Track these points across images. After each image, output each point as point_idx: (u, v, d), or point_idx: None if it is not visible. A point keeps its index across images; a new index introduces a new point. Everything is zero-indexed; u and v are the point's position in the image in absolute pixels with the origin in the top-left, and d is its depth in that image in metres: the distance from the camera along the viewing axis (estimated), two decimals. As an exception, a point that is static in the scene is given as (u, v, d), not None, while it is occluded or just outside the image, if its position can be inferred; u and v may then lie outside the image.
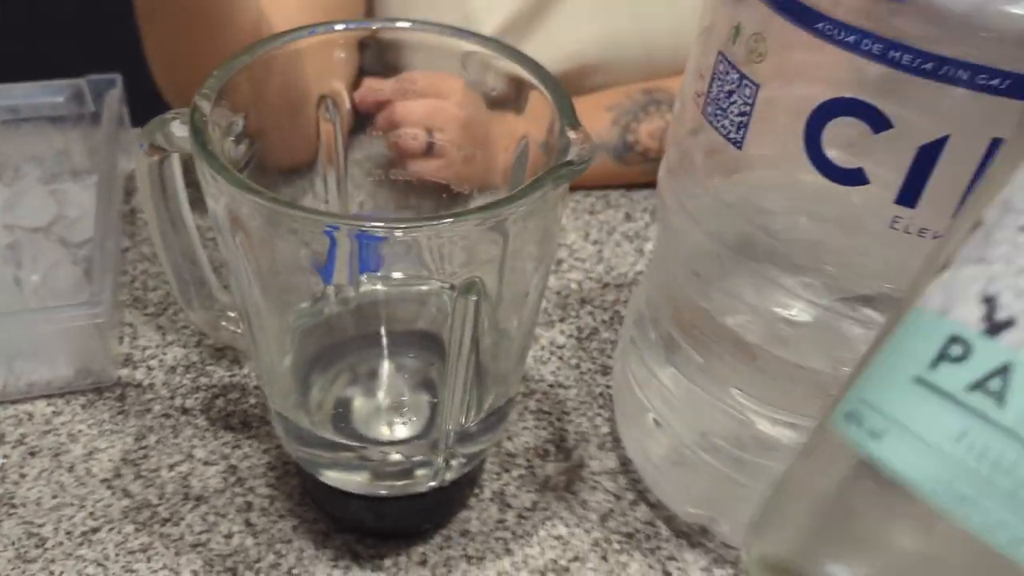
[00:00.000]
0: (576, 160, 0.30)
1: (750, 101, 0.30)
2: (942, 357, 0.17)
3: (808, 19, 0.27)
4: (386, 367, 0.40)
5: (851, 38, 0.26)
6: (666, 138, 0.61)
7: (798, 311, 0.33)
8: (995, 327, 0.17)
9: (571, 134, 0.31)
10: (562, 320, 0.54)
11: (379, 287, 0.38)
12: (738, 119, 0.31)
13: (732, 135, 0.31)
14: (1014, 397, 0.16)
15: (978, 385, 0.17)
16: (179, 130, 0.32)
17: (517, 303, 0.34)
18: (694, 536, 0.43)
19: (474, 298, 0.30)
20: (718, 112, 0.31)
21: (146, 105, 0.59)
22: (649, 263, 0.43)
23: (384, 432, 0.38)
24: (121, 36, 0.58)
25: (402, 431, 0.38)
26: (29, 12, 1.06)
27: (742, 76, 0.30)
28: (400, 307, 0.39)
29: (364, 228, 0.27)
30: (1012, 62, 0.24)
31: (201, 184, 0.30)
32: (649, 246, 0.60)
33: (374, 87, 0.40)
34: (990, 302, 0.17)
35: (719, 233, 0.34)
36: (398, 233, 0.27)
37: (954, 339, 0.17)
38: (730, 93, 0.31)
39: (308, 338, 0.38)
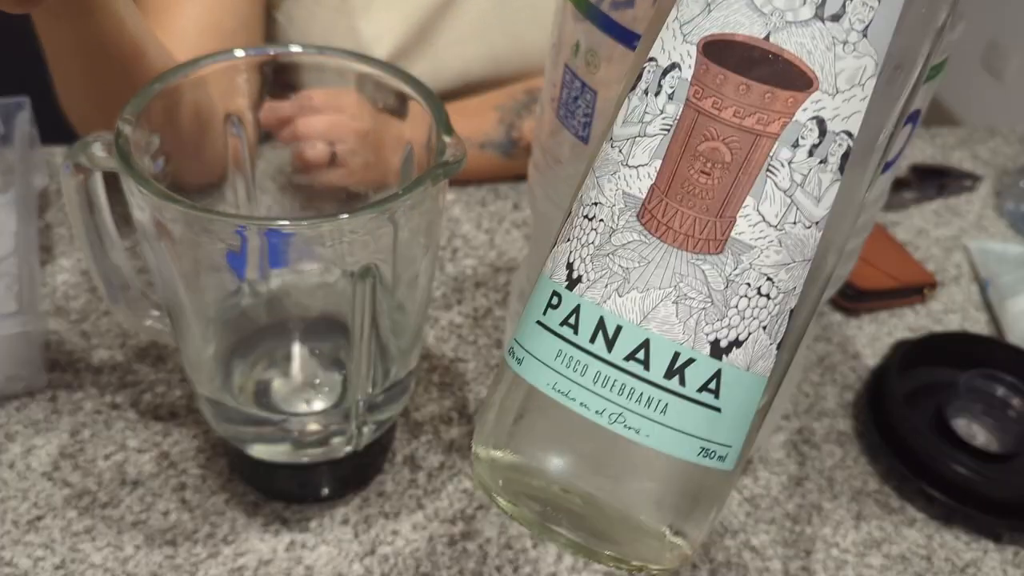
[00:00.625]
0: (451, 160, 0.35)
1: (591, 104, 0.36)
2: (548, 306, 0.26)
3: (627, 38, 0.33)
4: (299, 350, 0.45)
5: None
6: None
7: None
8: (572, 283, 0.25)
9: (446, 139, 0.37)
10: (459, 303, 0.60)
11: (288, 279, 0.43)
12: (583, 119, 0.37)
13: (580, 133, 0.37)
14: (582, 326, 0.25)
15: (564, 321, 0.25)
16: (99, 151, 0.36)
17: (410, 284, 0.40)
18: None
19: (370, 281, 0.36)
20: (568, 114, 0.38)
21: (53, 125, 0.62)
22: (529, 247, 0.49)
23: (302, 406, 0.43)
24: (27, 58, 0.61)
25: (318, 403, 0.43)
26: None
27: (583, 84, 0.36)
28: (307, 296, 0.44)
29: (272, 226, 0.32)
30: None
31: (127, 197, 0.35)
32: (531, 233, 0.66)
33: (275, 107, 0.45)
34: (570, 267, 0.25)
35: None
36: (302, 228, 0.33)
37: (554, 293, 0.26)
38: (575, 98, 0.37)
39: (228, 328, 0.43)
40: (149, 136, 0.38)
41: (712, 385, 0.24)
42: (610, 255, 0.24)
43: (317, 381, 0.45)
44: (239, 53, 0.40)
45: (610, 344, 0.24)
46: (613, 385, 0.24)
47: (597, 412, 0.24)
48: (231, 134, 0.42)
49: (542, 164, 0.42)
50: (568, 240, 0.26)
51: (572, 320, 0.25)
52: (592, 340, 0.24)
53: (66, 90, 0.57)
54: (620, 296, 0.24)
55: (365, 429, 0.43)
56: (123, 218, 0.39)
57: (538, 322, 0.26)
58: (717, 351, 0.24)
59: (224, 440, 0.47)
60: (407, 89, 0.39)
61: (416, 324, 0.42)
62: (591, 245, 0.25)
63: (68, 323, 0.55)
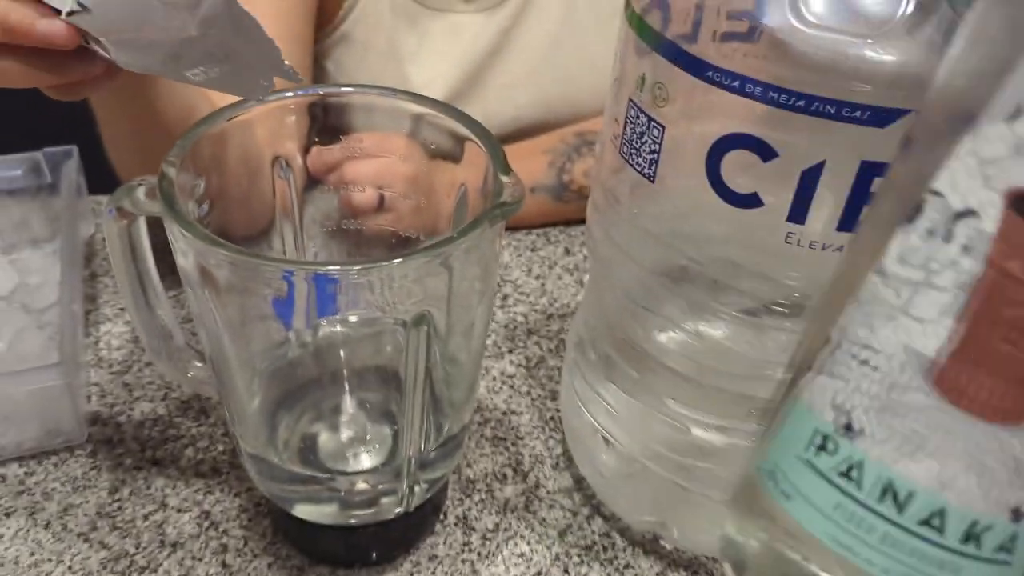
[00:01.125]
0: (509, 201, 0.33)
1: (658, 140, 0.34)
2: (818, 448, 0.25)
3: (699, 69, 0.31)
4: (348, 402, 0.43)
5: (735, 83, 0.30)
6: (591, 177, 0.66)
7: (720, 325, 0.37)
8: (849, 433, 0.24)
9: (504, 179, 0.35)
10: (511, 351, 0.57)
11: (337, 329, 0.41)
12: (649, 156, 0.35)
13: (646, 171, 0.35)
14: (866, 483, 0.24)
15: (843, 473, 0.25)
16: (143, 195, 0.35)
17: (465, 333, 0.37)
18: (648, 544, 0.46)
19: (424, 329, 0.33)
20: (632, 151, 0.35)
21: (101, 174, 0.62)
22: (585, 291, 0.46)
23: (350, 463, 0.41)
24: (76, 107, 0.61)
25: (366, 461, 0.40)
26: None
27: (650, 119, 0.34)
28: (357, 346, 0.42)
29: (320, 271, 0.30)
30: (871, 97, 0.28)
31: (171, 242, 0.33)
32: (588, 277, 0.63)
33: (322, 151, 0.44)
34: (845, 413, 0.24)
35: (643, 259, 0.37)
36: (352, 274, 0.30)
37: (824, 436, 0.25)
38: (641, 134, 0.35)
39: (273, 380, 0.40)
40: (194, 180, 0.36)
41: (1008, 545, 0.23)
42: (899, 416, 0.23)
43: (367, 437, 0.42)
44: (288, 94, 0.38)
45: (901, 507, 0.24)
46: (903, 547, 0.24)
47: (883, 570, 0.24)
48: (279, 178, 0.40)
49: (602, 204, 0.40)
50: (832, 375, 0.25)
51: (853, 474, 0.24)
52: (880, 500, 0.24)
53: (115, 147, 0.57)
54: (913, 462, 0.23)
55: (417, 488, 0.40)
56: (169, 267, 0.37)
57: (806, 461, 0.25)
58: (1018, 516, 0.23)
59: (268, 499, 0.45)
60: (462, 129, 0.38)
61: (471, 375, 0.39)
62: (870, 396, 0.24)
63: (110, 375, 0.54)
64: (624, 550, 0.46)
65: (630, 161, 0.36)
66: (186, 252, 0.32)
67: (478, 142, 0.37)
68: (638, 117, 0.35)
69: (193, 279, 0.33)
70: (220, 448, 0.49)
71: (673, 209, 0.36)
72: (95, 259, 0.62)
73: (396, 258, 0.31)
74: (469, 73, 0.73)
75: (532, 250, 0.66)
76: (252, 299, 0.33)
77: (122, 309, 0.58)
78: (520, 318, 0.60)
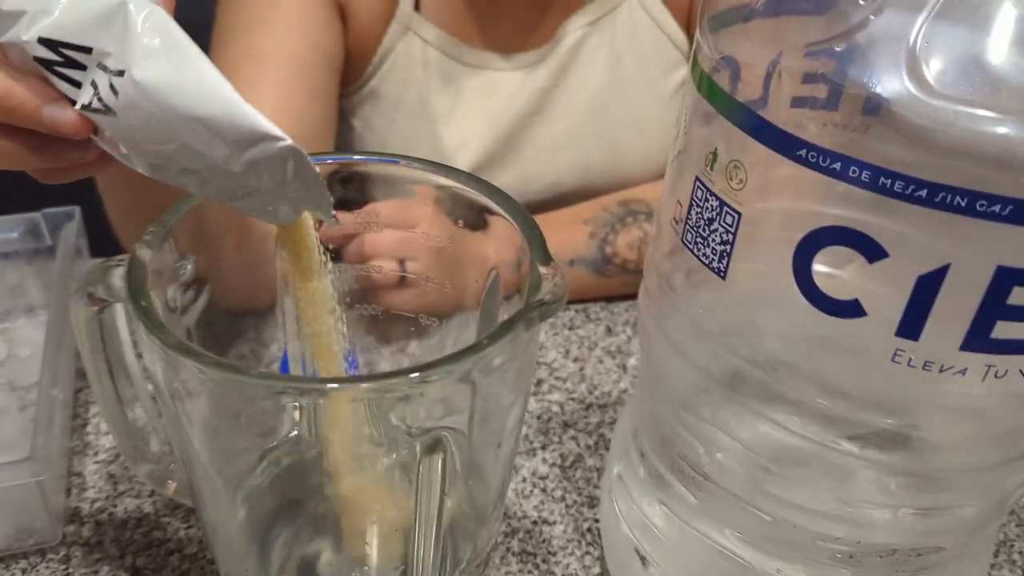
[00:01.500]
0: (549, 299, 0.27)
1: (732, 229, 0.28)
2: None
3: (788, 146, 0.25)
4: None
5: (836, 165, 0.24)
6: (644, 258, 0.60)
7: (796, 449, 0.30)
8: None
9: (542, 270, 0.29)
10: (544, 447, 0.51)
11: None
12: (720, 247, 0.29)
13: (715, 264, 0.29)
14: None
15: None
16: (119, 279, 0.30)
17: (492, 445, 0.31)
18: None
19: (440, 457, 0.27)
20: (699, 240, 0.29)
21: (105, 236, 0.57)
22: (633, 391, 0.40)
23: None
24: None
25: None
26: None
27: (723, 203, 0.28)
28: (364, 453, 0.36)
29: (316, 388, 0.24)
30: (1013, 188, 0.22)
31: (139, 343, 0.28)
32: (632, 361, 0.57)
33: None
34: None
35: (705, 365, 0.31)
36: (355, 393, 0.25)
37: None
38: (710, 221, 0.29)
39: (262, 494, 0.35)
40: (178, 261, 0.31)
41: None
42: None
43: (374, 557, 0.36)
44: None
45: None
46: None
47: None
48: (282, 256, 0.34)
49: (656, 292, 0.34)
50: None
51: None
52: None
53: (115, 213, 0.52)
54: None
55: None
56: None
57: None
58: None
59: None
60: (493, 204, 0.32)
61: (497, 493, 0.33)
62: None
63: (95, 463, 0.48)
64: None
65: (695, 251, 0.30)
66: (152, 357, 0.26)
67: (511, 220, 0.31)
68: (707, 200, 0.29)
69: (163, 387, 0.27)
70: (209, 556, 0.43)
71: (745, 310, 0.30)
72: (93, 329, 0.57)
73: (410, 372, 0.25)
74: (506, 134, 0.67)
75: (570, 328, 0.60)
76: (228, 413, 0.27)
77: (117, 386, 0.53)
78: (555, 408, 0.53)
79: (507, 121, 0.67)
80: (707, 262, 0.29)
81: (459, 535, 0.33)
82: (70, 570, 0.42)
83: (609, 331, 0.60)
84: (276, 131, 0.26)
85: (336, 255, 0.40)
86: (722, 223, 0.28)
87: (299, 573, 0.35)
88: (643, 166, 0.69)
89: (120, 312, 0.32)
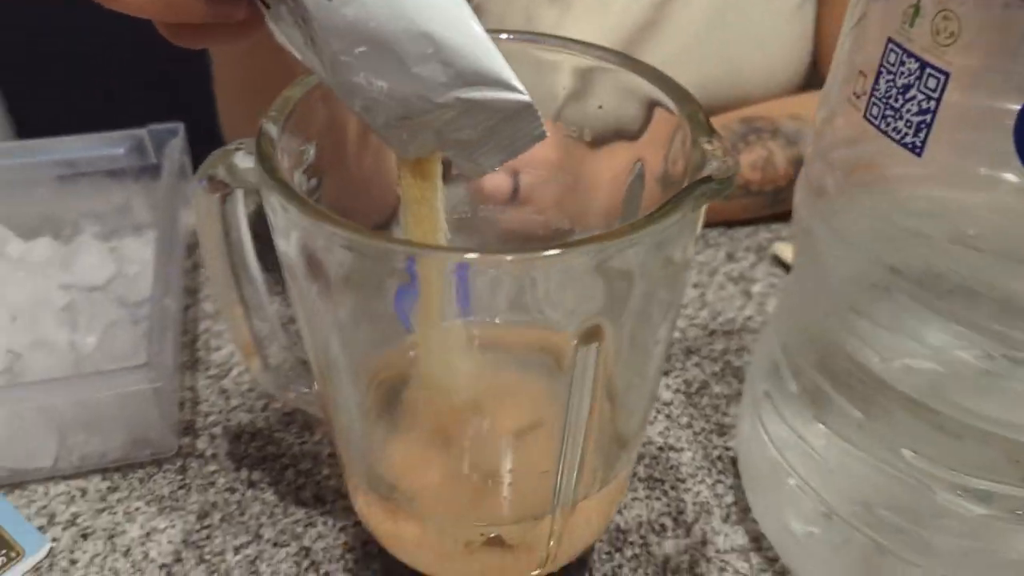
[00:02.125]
0: (718, 176, 0.24)
1: (935, 95, 0.24)
2: None
3: (1026, -20, 0.21)
4: (483, 432, 0.34)
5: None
6: (767, 179, 0.56)
7: (992, 358, 0.27)
8: None
9: (707, 146, 0.25)
10: (667, 373, 0.48)
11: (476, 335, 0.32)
12: (917, 118, 0.25)
13: (909, 139, 0.25)
14: None
15: None
16: (244, 161, 0.28)
17: (642, 356, 0.28)
18: (848, 628, 0.36)
19: (596, 347, 0.25)
20: (889, 113, 0.26)
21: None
22: (781, 303, 0.37)
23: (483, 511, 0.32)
24: (183, 83, 0.55)
25: (505, 510, 0.32)
26: (87, 61, 1.05)
27: (924, 65, 0.24)
28: (500, 360, 0.33)
29: (465, 259, 0.22)
30: None
31: (269, 222, 0.26)
32: (757, 288, 0.53)
33: None
34: None
35: (889, 261, 0.27)
36: (507, 266, 0.22)
37: None
38: (906, 88, 0.25)
39: (398, 389, 0.33)
40: (302, 145, 0.28)
41: None
42: None
43: (506, 479, 0.34)
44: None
45: None
46: None
47: None
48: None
49: (825, 185, 0.30)
50: None
51: None
52: None
53: (226, 103, 0.50)
54: None
55: (564, 545, 0.31)
56: (272, 263, 0.30)
57: None
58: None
59: (380, 541, 0.37)
60: (647, 86, 0.29)
61: (644, 408, 0.30)
62: None
63: (207, 379, 0.47)
64: (818, 635, 0.36)
65: (884, 127, 0.26)
66: (289, 233, 0.24)
67: (667, 101, 0.28)
68: (903, 64, 0.25)
69: (297, 268, 0.25)
70: (325, 472, 0.42)
71: (942, 193, 0.26)
72: (198, 249, 0.56)
73: (569, 247, 0.22)
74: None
75: (687, 253, 0.57)
76: (371, 294, 0.25)
77: (224, 305, 0.52)
78: (677, 335, 0.50)
79: (619, 38, 0.63)
80: (899, 137, 0.25)
81: (600, 453, 0.31)
82: (186, 480, 0.42)
83: (730, 257, 0.56)
84: (517, 83, 0.23)
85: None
86: (922, 88, 0.24)
87: (431, 471, 0.32)
88: (764, 84, 0.64)
89: (240, 201, 0.30)
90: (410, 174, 0.27)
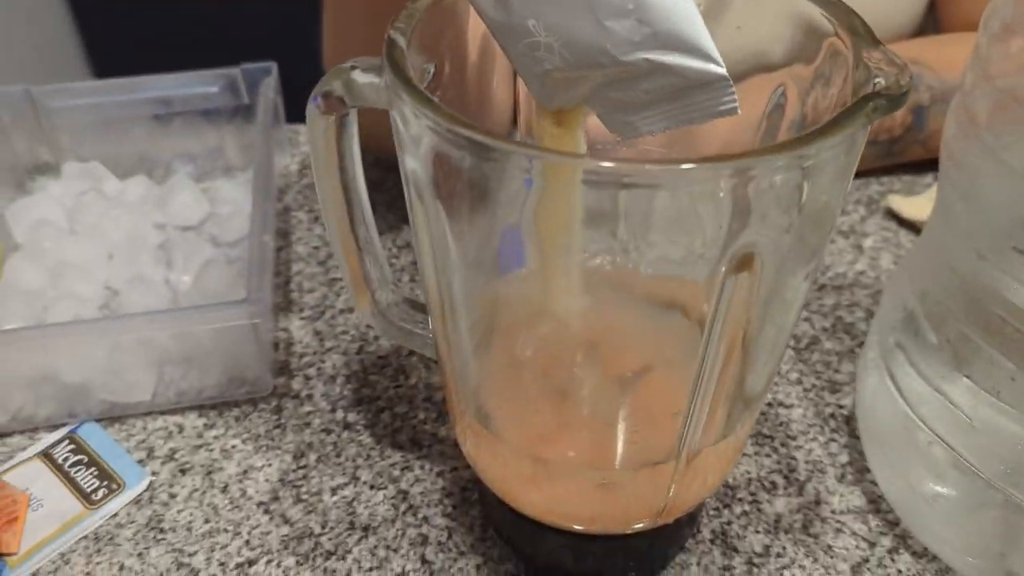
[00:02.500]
0: (892, 88, 0.22)
1: None
2: None
3: None
4: (605, 370, 0.32)
5: None
6: (884, 128, 0.52)
7: None
8: None
9: (872, 59, 0.23)
10: (774, 327, 0.45)
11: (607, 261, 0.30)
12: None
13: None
14: None
15: None
16: (362, 76, 0.26)
17: (780, 304, 0.26)
18: (978, 597, 0.34)
19: (747, 277, 0.23)
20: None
21: (302, 99, 0.55)
22: (917, 248, 0.34)
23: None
24: (276, 23, 0.54)
25: (630, 451, 0.30)
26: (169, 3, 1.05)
27: None
28: (631, 287, 0.31)
29: (602, 167, 0.20)
30: None
31: (396, 137, 0.24)
32: (868, 242, 0.51)
33: None
34: None
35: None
36: (667, 174, 0.20)
37: None
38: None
39: (511, 334, 0.31)
40: (425, 62, 0.27)
41: None
42: None
43: (623, 421, 0.32)
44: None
45: None
46: None
47: None
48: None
49: (991, 114, 0.28)
50: None
51: None
52: None
53: (342, 28, 0.48)
54: None
55: (679, 496, 0.30)
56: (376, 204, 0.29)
57: None
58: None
59: (480, 484, 0.36)
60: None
61: (779, 352, 0.28)
62: None
63: (300, 320, 0.46)
64: (944, 603, 0.34)
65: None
66: (419, 144, 0.23)
67: (813, 10, 0.26)
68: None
69: (424, 187, 0.24)
70: (421, 416, 0.41)
71: None
72: (290, 191, 0.55)
73: (715, 160, 0.20)
74: None
75: (791, 206, 0.54)
76: (502, 211, 0.24)
77: (316, 248, 0.51)
78: (784, 286, 0.48)
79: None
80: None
81: (733, 398, 0.29)
82: (282, 421, 0.41)
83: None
84: (716, 53, 0.22)
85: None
86: None
87: (548, 414, 0.31)
88: (877, 28, 0.61)
89: (355, 123, 0.29)
90: (551, 122, 0.26)
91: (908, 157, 0.54)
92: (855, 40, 0.24)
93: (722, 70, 0.22)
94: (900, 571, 0.35)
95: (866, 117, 0.21)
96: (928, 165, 0.55)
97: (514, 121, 0.33)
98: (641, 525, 0.31)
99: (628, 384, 0.30)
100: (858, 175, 0.55)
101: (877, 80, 0.23)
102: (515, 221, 0.25)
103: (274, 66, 0.53)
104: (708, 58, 0.22)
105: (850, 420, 0.40)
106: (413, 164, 0.24)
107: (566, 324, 0.29)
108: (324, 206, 0.30)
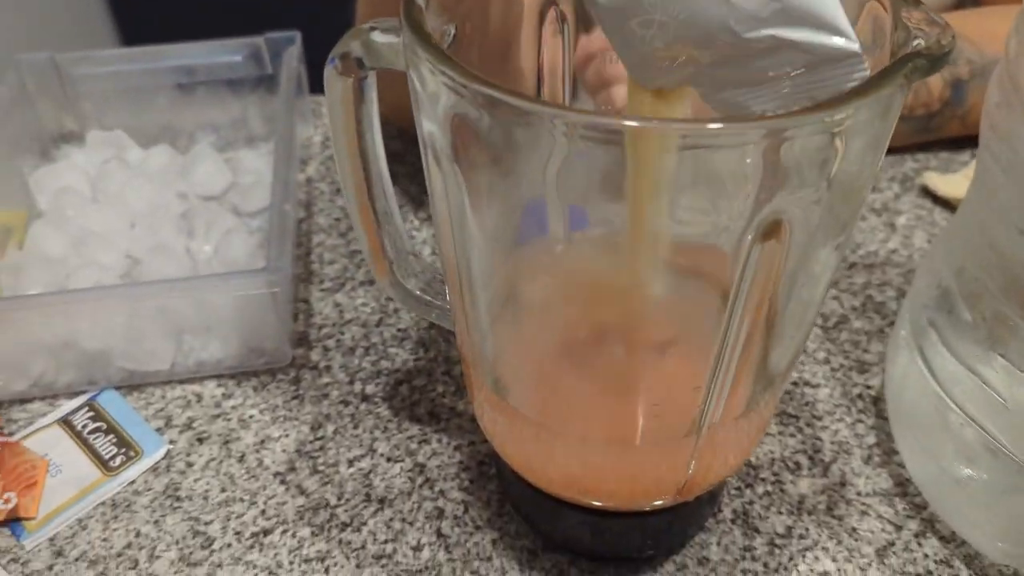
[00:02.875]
0: (933, 48, 0.21)
1: None
2: None
3: None
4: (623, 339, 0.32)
5: None
6: (920, 103, 0.51)
7: None
8: None
9: (909, 18, 0.22)
10: (802, 306, 0.44)
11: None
12: None
13: None
14: None
15: None
16: (380, 37, 0.25)
17: (815, 266, 0.25)
18: (1008, 584, 0.33)
19: (775, 245, 0.22)
20: None
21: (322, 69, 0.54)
22: (954, 224, 0.33)
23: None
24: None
25: (646, 426, 0.30)
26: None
27: None
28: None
29: (673, 128, 0.19)
30: None
31: (413, 99, 0.24)
32: (902, 220, 0.49)
33: (584, 40, 0.32)
34: None
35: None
36: (712, 135, 0.19)
37: None
38: None
39: (530, 304, 0.30)
40: (444, 24, 0.26)
41: None
42: None
43: (640, 395, 0.32)
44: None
45: None
46: None
47: None
48: (551, 34, 0.29)
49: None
50: None
51: None
52: None
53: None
54: None
55: (699, 472, 0.29)
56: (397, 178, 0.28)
57: None
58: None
59: (498, 459, 0.36)
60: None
61: (807, 326, 0.27)
62: None
63: (320, 291, 0.46)
64: (972, 589, 0.33)
65: None
66: (436, 102, 0.22)
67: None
68: None
69: (440, 149, 0.23)
70: (439, 389, 0.41)
71: None
72: (312, 163, 0.55)
73: (747, 121, 0.19)
74: None
75: (822, 183, 0.53)
76: (521, 174, 0.23)
77: (338, 219, 0.51)
78: (813, 264, 0.47)
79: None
80: None
81: (756, 372, 0.28)
82: (300, 391, 0.41)
83: (872, 187, 0.52)
84: (851, 30, 0.21)
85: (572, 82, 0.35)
86: None
87: (567, 386, 0.30)
88: None
89: (374, 86, 0.28)
90: (652, 97, 0.25)
91: (946, 133, 0.53)
92: (894, 1, 0.23)
93: (856, 46, 0.21)
94: (927, 555, 0.34)
95: (904, 78, 0.20)
96: (966, 142, 0.54)
97: (538, 94, 0.32)
98: (660, 502, 0.31)
99: (649, 356, 0.29)
100: (894, 151, 0.54)
101: (917, 41, 0.22)
102: (538, 188, 0.24)
103: (298, 35, 0.53)
104: (842, 34, 0.21)
105: (878, 401, 0.39)
106: (430, 126, 0.23)
107: (649, 292, 0.28)
108: (342, 172, 0.30)
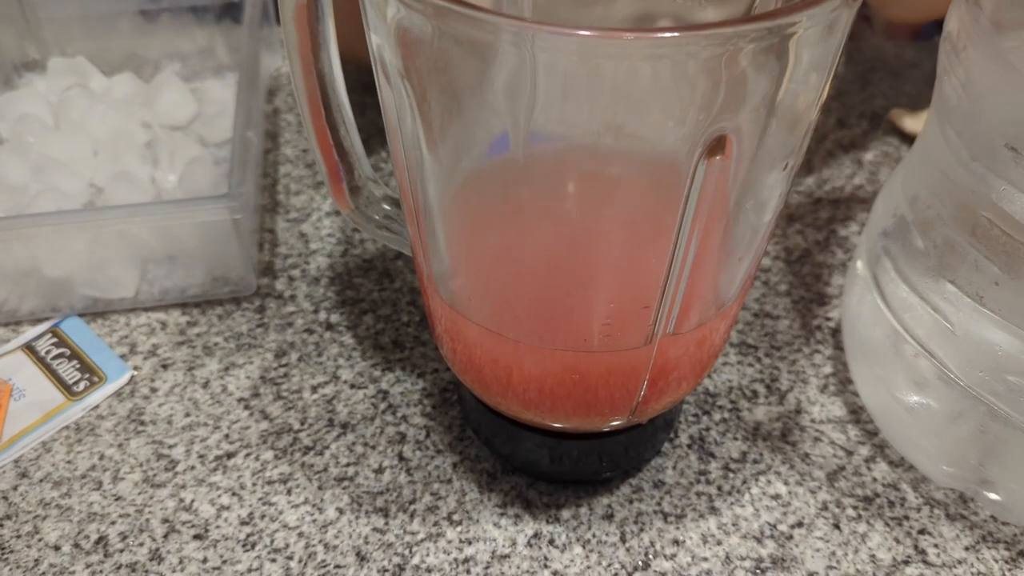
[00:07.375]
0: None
1: None
2: None
3: None
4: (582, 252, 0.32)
5: None
6: None
7: None
8: None
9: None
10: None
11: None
12: None
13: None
14: None
15: None
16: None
17: (762, 191, 0.25)
18: (952, 505, 0.34)
19: (720, 162, 0.22)
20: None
21: None
22: (912, 152, 0.33)
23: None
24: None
25: (602, 333, 0.30)
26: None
27: None
28: (601, 165, 0.30)
29: (575, 32, 0.19)
30: None
31: (363, 9, 0.23)
32: (868, 156, 0.49)
33: None
34: None
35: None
36: (657, 44, 0.19)
37: None
38: None
39: (485, 216, 0.30)
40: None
41: None
42: None
43: (599, 306, 0.32)
44: None
45: None
46: None
47: None
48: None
49: (1007, 10, 0.26)
50: None
51: None
52: None
53: None
54: None
55: (652, 393, 0.30)
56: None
57: None
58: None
59: (459, 386, 0.36)
60: None
61: (760, 248, 0.28)
62: None
63: (286, 222, 0.46)
64: (918, 510, 0.34)
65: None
66: (383, 13, 0.22)
67: None
68: None
69: (389, 61, 0.23)
70: (404, 319, 0.41)
71: None
72: (280, 93, 0.54)
73: (726, 25, 0.19)
74: None
75: (793, 119, 0.53)
76: (470, 87, 0.23)
77: (304, 151, 0.50)
78: (779, 199, 0.47)
79: None
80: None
81: (707, 288, 0.28)
82: (264, 320, 0.41)
83: (841, 123, 0.52)
84: None
85: None
86: None
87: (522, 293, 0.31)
88: None
89: (329, 6, 0.28)
90: None
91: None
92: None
93: None
94: (875, 479, 0.35)
95: (850, -8, 0.20)
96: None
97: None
98: (617, 422, 0.31)
99: (601, 264, 0.29)
100: (864, 89, 0.54)
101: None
102: (490, 103, 0.24)
103: (263, -38, 0.52)
104: None
105: (836, 332, 0.40)
106: (378, 40, 0.23)
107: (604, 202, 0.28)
108: (297, 93, 0.30)
